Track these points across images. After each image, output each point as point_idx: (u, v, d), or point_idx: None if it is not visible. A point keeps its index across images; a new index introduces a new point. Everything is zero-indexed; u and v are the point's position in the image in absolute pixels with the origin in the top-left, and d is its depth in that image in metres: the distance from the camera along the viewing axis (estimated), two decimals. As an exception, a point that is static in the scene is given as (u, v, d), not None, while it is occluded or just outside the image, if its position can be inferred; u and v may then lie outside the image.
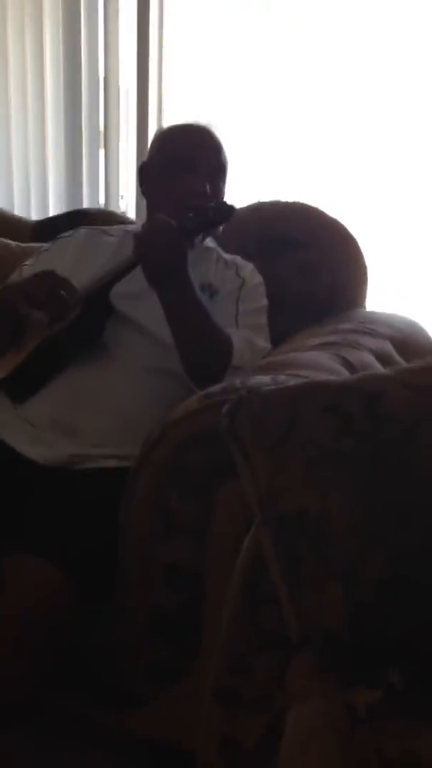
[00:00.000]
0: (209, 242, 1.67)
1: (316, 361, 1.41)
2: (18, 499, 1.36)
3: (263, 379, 1.18)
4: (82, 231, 1.71)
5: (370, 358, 1.49)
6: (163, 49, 2.57)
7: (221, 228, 1.57)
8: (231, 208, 1.43)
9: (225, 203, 1.45)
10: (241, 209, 1.66)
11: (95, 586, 1.25)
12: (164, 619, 1.28)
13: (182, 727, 1.22)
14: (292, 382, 1.03)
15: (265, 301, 1.62)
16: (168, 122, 2.03)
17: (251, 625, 0.90)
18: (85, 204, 2.69)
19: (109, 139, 2.68)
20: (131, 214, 2.52)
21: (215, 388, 1.24)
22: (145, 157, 1.71)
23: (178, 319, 1.41)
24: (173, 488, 1.22)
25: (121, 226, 1.75)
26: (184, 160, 1.56)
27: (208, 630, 1.22)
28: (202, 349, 1.43)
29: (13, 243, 1.97)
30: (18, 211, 2.64)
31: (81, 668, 1.37)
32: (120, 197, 2.74)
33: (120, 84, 2.66)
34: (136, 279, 1.45)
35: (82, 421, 1.44)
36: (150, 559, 1.26)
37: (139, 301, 1.51)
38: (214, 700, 0.90)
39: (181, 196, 1.51)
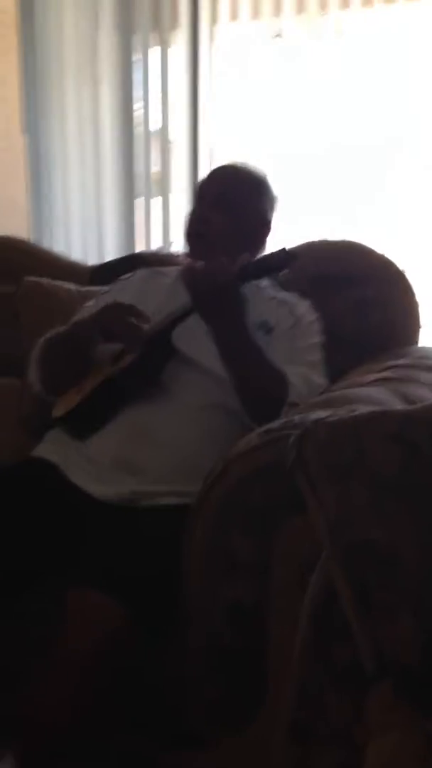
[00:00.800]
0: (264, 281, 1.69)
1: (375, 396, 1.40)
2: (80, 535, 1.38)
3: (322, 415, 1.18)
4: (140, 272, 1.75)
5: (430, 394, 1.48)
6: (214, 102, 2.65)
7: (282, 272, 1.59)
8: (290, 256, 1.44)
9: (285, 251, 1.46)
10: (295, 247, 1.68)
11: (156, 624, 1.24)
12: (227, 660, 1.26)
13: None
14: (357, 412, 1.02)
15: (320, 338, 1.63)
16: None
17: (322, 659, 0.88)
18: (139, 250, 2.75)
19: (163, 186, 2.75)
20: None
21: (275, 424, 1.24)
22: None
23: (232, 356, 1.44)
24: (235, 525, 1.21)
25: (177, 267, 1.78)
26: (197, 192, 1.64)
27: (273, 671, 1.20)
28: (258, 386, 1.44)
29: (72, 287, 2.02)
30: (75, 257, 2.71)
31: (143, 707, 1.36)
32: (170, 243, 2.80)
33: (171, 136, 2.74)
34: (198, 320, 1.48)
35: (142, 458, 1.45)
36: (211, 598, 1.25)
37: (197, 340, 1.53)
38: (286, 736, 0.88)
39: (188, 224, 1.60)
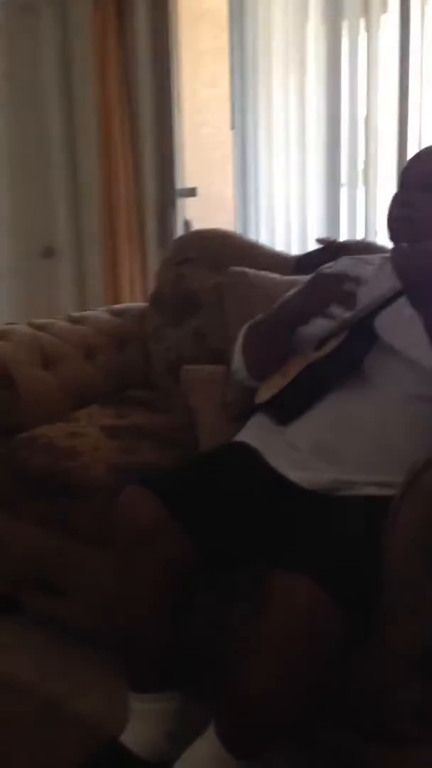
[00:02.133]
0: None
1: None
2: (282, 521, 1.40)
3: None
4: (344, 260, 1.74)
5: None
6: (423, 90, 2.56)
7: None
8: None
9: None
10: None
11: (360, 616, 1.23)
12: (432, 658, 1.23)
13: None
14: None
15: None
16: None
17: None
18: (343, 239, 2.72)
19: (368, 175, 2.71)
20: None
21: None
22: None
23: None
24: (440, 519, 1.18)
25: (380, 255, 1.75)
26: (401, 176, 1.57)
27: None
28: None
29: (277, 276, 2.05)
30: (279, 247, 2.75)
31: (349, 703, 1.35)
32: (375, 233, 2.74)
33: (378, 124, 2.68)
34: (399, 307, 1.45)
35: (343, 447, 1.45)
36: (417, 594, 1.22)
37: (402, 328, 1.49)
38: None
39: (390, 208, 1.53)
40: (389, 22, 2.59)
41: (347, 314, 1.48)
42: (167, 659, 1.44)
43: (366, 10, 2.61)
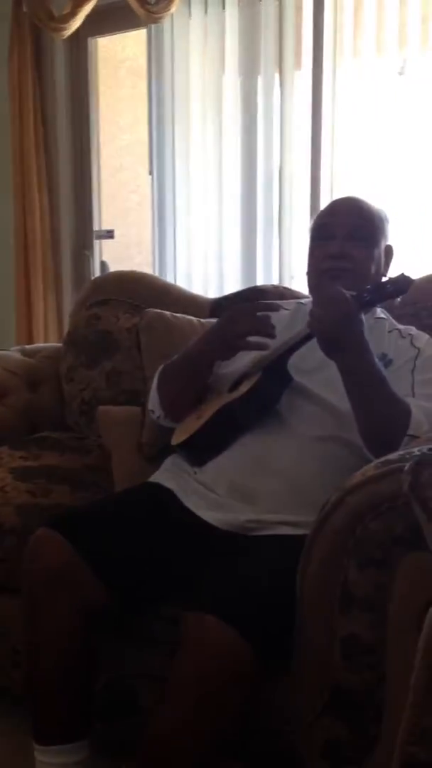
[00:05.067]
0: (381, 313, 1.67)
1: None
2: (195, 561, 1.39)
3: (441, 446, 1.14)
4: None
5: None
6: (335, 141, 2.67)
7: (398, 300, 1.57)
8: (409, 281, 1.42)
9: (403, 276, 1.44)
10: (416, 280, 1.65)
11: (272, 655, 1.22)
12: (342, 698, 1.22)
13: None
14: None
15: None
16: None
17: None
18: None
19: (282, 222, 2.78)
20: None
21: (393, 455, 1.21)
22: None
23: (356, 386, 1.41)
24: (351, 558, 1.19)
25: (294, 300, 1.79)
26: (323, 228, 1.63)
27: (390, 712, 1.16)
28: (381, 416, 1.41)
29: (194, 319, 2.06)
30: (196, 290, 2.78)
31: (259, 740, 1.34)
32: (291, 278, 2.81)
33: (293, 173, 2.77)
34: (312, 350, 1.48)
35: (257, 487, 1.45)
36: (327, 632, 1.22)
37: (313, 371, 1.53)
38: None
39: (317, 260, 1.59)
40: (303, 77, 2.70)
41: (265, 346, 1.50)
42: (76, 708, 1.39)
43: (280, 65, 2.72)
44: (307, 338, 1.47)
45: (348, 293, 1.39)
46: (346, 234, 1.58)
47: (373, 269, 1.60)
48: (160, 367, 1.72)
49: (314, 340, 1.45)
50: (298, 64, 2.72)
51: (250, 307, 1.52)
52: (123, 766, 1.26)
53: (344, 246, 1.57)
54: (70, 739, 1.37)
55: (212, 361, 1.59)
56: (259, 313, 1.48)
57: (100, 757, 1.42)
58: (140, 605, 1.44)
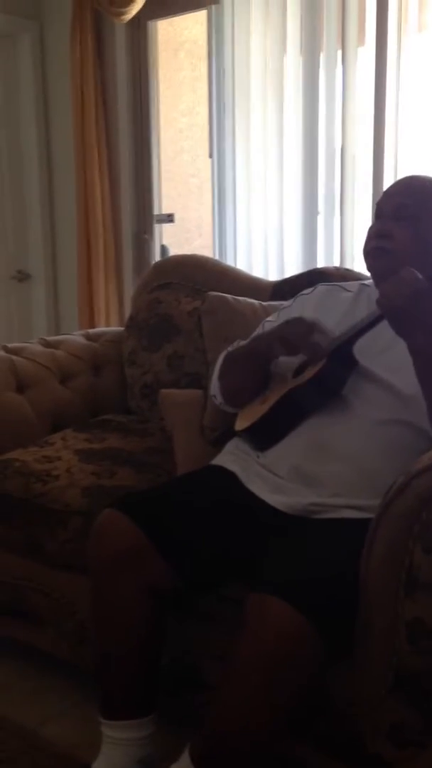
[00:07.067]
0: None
1: None
2: (259, 544, 1.40)
3: None
4: (321, 287, 1.75)
5: None
6: (399, 120, 2.61)
7: None
8: None
9: None
10: None
11: (336, 638, 1.22)
12: (407, 681, 1.22)
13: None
14: None
15: None
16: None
17: None
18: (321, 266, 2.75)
19: (344, 203, 2.75)
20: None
21: (462, 439, 1.20)
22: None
23: (426, 365, 1.38)
24: (416, 541, 1.18)
25: (358, 282, 1.76)
26: (377, 207, 1.59)
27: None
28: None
29: (256, 302, 2.06)
30: (257, 273, 2.77)
31: (323, 723, 1.34)
32: (352, 259, 2.78)
33: (355, 153, 2.73)
34: (378, 333, 1.46)
35: (321, 471, 1.45)
36: (391, 615, 1.21)
37: (380, 354, 1.51)
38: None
39: (367, 240, 1.55)
40: (366, 54, 2.65)
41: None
42: (142, 685, 1.41)
43: (343, 42, 2.67)
44: (377, 320, 1.45)
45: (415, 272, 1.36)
46: (392, 213, 1.53)
47: (421, 251, 1.51)
48: (223, 353, 1.73)
49: (381, 324, 1.43)
50: (361, 40, 2.66)
51: (306, 324, 1.51)
52: (188, 743, 1.27)
53: (386, 225, 1.52)
54: (137, 715, 1.40)
55: (265, 360, 1.60)
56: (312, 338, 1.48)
57: (164, 732, 1.45)
58: (203, 585, 1.45)
